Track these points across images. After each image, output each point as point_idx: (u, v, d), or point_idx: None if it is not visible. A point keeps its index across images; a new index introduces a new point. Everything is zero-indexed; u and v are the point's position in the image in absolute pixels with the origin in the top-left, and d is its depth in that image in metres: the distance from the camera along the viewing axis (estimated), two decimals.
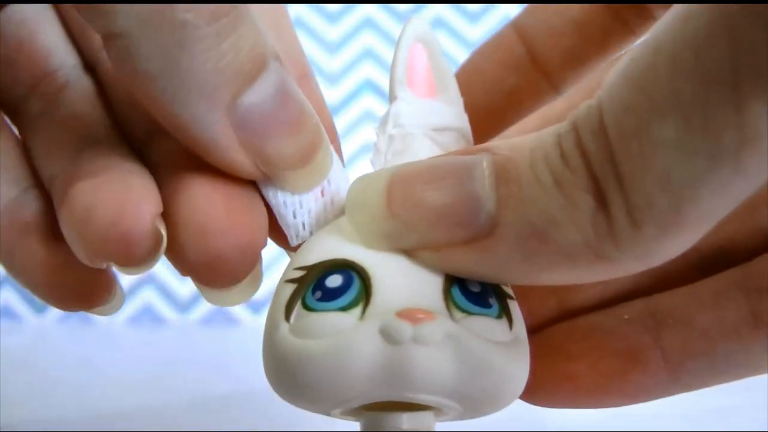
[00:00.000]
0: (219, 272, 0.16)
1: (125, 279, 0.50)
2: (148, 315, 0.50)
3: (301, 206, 0.17)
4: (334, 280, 0.16)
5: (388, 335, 0.14)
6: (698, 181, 0.12)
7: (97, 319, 0.50)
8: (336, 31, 0.53)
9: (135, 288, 0.50)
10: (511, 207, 0.14)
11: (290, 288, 0.16)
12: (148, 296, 0.50)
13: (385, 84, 0.53)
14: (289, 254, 0.18)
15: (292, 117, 0.16)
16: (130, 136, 0.18)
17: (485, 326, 0.15)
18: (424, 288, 0.16)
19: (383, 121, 0.19)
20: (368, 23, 0.53)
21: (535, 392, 0.17)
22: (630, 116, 0.13)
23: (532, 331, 0.18)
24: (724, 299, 0.17)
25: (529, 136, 0.15)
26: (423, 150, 0.18)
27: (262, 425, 0.27)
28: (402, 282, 0.16)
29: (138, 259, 0.16)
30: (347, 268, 0.16)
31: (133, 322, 0.50)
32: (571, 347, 0.18)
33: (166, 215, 0.16)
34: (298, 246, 0.17)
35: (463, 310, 0.15)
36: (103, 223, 0.15)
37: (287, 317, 0.16)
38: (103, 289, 0.18)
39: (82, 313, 0.52)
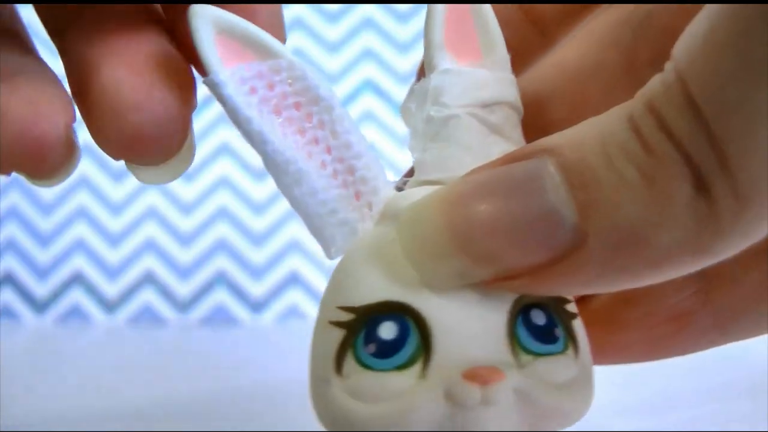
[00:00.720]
0: (143, 149, 0.15)
1: (124, 279, 0.50)
2: (148, 315, 0.50)
3: (335, 215, 0.16)
4: (388, 330, 0.14)
5: (454, 400, 0.13)
6: None
7: (97, 320, 0.50)
8: (336, 31, 0.53)
9: (135, 288, 0.50)
10: (594, 215, 0.13)
11: (337, 333, 0.15)
12: (148, 296, 0.50)
13: (385, 84, 0.53)
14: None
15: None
16: (45, 24, 0.18)
17: (552, 368, 0.15)
18: (487, 332, 0.14)
19: (420, 98, 0.17)
20: (368, 23, 0.53)
21: None
22: (727, 87, 0.12)
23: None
24: None
25: (585, 126, 0.13)
26: (469, 136, 0.16)
27: (263, 425, 0.27)
28: (464, 327, 0.14)
29: (49, 169, 0.15)
30: (401, 312, 0.14)
31: (133, 322, 0.50)
32: (624, 316, 0.18)
33: (82, 100, 0.16)
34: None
35: (529, 352, 0.14)
36: (14, 131, 0.15)
37: (338, 370, 0.15)
38: None
39: (81, 314, 0.52)
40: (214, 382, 0.34)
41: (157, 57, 0.16)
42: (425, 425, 0.14)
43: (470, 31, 0.17)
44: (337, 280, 0.16)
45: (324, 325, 0.15)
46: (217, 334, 0.48)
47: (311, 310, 0.50)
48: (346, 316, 0.15)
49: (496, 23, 0.17)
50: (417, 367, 0.14)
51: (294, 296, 0.50)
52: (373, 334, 0.14)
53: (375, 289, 0.15)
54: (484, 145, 0.16)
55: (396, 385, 0.14)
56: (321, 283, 0.50)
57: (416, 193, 0.16)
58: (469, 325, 0.14)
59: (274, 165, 0.15)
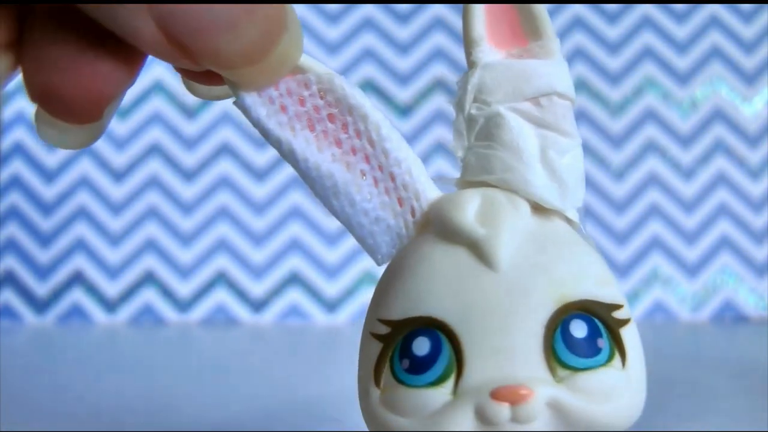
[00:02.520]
0: (58, 103, 0.15)
1: (124, 278, 0.50)
2: (148, 315, 0.50)
3: (379, 222, 0.16)
4: (422, 346, 0.14)
5: (484, 419, 0.14)
6: None
7: (97, 320, 0.50)
8: (336, 32, 0.53)
9: (135, 288, 0.50)
10: None
11: (376, 346, 0.15)
12: (148, 296, 0.50)
13: (385, 85, 0.53)
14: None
15: (229, 12, 0.14)
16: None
17: (592, 381, 0.14)
18: (520, 347, 0.14)
19: (460, 95, 0.16)
20: (368, 23, 0.53)
21: None
22: None
23: None
24: None
25: None
26: (512, 134, 0.16)
27: (263, 425, 0.27)
28: (496, 343, 0.14)
29: (87, 115, 0.15)
30: (434, 327, 0.14)
31: (133, 322, 0.50)
32: None
33: (21, 51, 0.15)
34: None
35: (567, 367, 0.14)
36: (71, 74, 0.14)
37: (377, 382, 0.15)
38: None
39: (81, 314, 0.52)
40: (213, 383, 0.34)
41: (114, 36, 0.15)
42: None
43: (514, 16, 0.16)
44: (379, 291, 0.16)
45: (366, 336, 0.15)
46: (217, 334, 0.48)
47: (311, 310, 0.50)
48: (383, 329, 0.15)
49: (542, 6, 0.16)
50: (450, 383, 0.14)
51: (294, 296, 0.50)
52: (407, 349, 0.15)
53: (411, 303, 0.15)
54: (528, 141, 0.16)
55: (428, 401, 0.14)
56: (321, 283, 0.50)
57: (461, 195, 0.15)
58: (501, 341, 0.14)
59: (311, 180, 0.16)
